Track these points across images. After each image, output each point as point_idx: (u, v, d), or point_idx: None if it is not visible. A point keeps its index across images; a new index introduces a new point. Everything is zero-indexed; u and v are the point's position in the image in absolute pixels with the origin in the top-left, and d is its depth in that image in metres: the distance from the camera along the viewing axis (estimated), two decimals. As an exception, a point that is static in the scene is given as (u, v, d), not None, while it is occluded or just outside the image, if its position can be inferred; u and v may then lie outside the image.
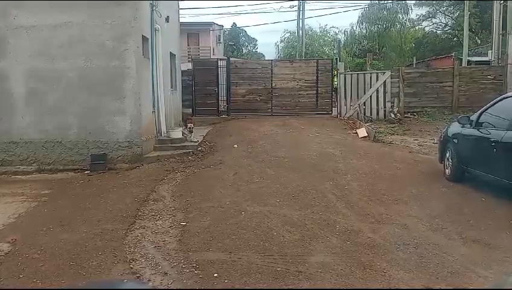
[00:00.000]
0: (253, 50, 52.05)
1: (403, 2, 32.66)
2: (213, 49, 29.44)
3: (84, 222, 5.53)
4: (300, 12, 27.09)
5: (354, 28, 35.83)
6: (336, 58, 17.47)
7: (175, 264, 4.23)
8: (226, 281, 3.87)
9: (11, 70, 8.88)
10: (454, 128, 7.36)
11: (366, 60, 19.53)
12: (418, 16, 34.95)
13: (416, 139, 11.31)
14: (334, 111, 15.45)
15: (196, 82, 15.57)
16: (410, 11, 33.63)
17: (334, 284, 3.79)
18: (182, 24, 15.08)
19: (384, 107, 14.61)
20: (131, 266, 4.23)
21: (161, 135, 10.41)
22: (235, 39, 47.19)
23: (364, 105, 14.72)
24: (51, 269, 4.22)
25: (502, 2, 16.83)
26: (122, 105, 8.89)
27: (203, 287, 3.81)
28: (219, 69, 15.66)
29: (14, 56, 8.83)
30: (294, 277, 3.92)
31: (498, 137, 5.94)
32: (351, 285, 3.80)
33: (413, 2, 33.35)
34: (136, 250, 4.61)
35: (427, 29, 36.10)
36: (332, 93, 15.98)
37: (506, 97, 6.54)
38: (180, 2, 14.48)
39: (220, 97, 15.73)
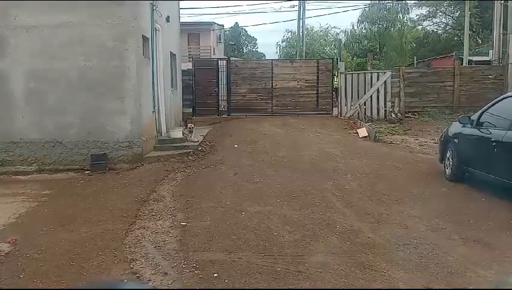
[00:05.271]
0: (254, 49, 52.07)
1: (403, 1, 32.62)
2: (213, 49, 29.40)
3: (85, 222, 5.53)
4: (301, 12, 27.06)
5: (355, 27, 35.83)
6: (337, 58, 17.45)
7: (175, 264, 4.23)
8: (226, 281, 3.87)
9: (11, 70, 8.87)
10: (455, 128, 7.36)
11: (366, 59, 19.52)
12: (418, 16, 34.95)
13: (416, 139, 11.31)
14: (335, 111, 15.44)
15: (196, 82, 15.58)
16: (410, 10, 33.62)
17: (334, 284, 3.79)
18: (182, 24, 15.08)
19: (385, 107, 14.60)
20: (132, 266, 4.23)
21: (161, 135, 10.40)
22: (236, 39, 47.17)
23: (365, 105, 14.71)
24: (51, 269, 4.22)
25: (503, 1, 16.79)
26: (122, 105, 8.88)
27: (203, 287, 3.81)
28: (219, 68, 15.66)
29: (14, 56, 8.82)
30: (294, 277, 3.92)
31: (499, 137, 5.93)
32: (351, 285, 3.80)
33: (413, 2, 33.35)
34: (136, 250, 4.61)
35: (427, 29, 36.12)
36: (332, 93, 15.98)
37: (507, 97, 6.54)
38: (180, 2, 14.48)
39: (220, 97, 15.74)
